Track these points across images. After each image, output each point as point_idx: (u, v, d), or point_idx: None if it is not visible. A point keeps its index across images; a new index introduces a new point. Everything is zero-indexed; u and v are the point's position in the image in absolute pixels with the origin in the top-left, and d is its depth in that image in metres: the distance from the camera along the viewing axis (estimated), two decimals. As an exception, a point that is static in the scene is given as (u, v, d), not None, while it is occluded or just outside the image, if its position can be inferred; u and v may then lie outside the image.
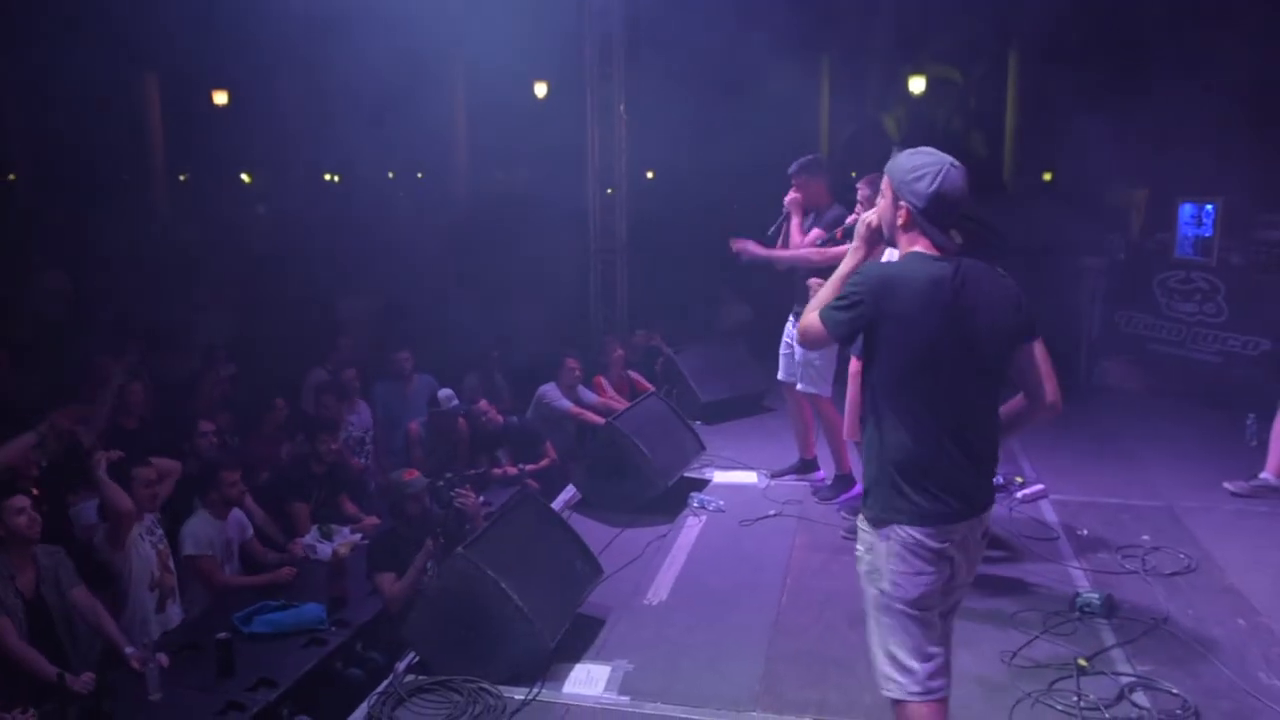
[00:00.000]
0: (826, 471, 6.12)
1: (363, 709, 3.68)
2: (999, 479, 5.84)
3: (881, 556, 2.83)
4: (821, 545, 5.26)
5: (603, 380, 7.94)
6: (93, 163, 20.10)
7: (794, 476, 6.23)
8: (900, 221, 2.87)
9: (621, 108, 9.42)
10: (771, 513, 5.71)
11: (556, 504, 5.84)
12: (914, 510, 2.80)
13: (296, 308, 10.75)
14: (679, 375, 7.76)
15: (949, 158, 2.81)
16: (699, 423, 7.08)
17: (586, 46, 9.22)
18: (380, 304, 11.24)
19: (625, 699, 3.78)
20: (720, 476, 6.36)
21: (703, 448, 6.38)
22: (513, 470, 7.01)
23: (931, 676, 2.81)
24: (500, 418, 7.38)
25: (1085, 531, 5.36)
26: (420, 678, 3.88)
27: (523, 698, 3.76)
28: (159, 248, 15.38)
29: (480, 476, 6.70)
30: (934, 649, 2.84)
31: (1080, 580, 4.77)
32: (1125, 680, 3.81)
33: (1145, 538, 5.26)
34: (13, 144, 20.93)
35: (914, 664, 2.81)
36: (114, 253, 13.56)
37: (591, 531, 5.46)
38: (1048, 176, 16.93)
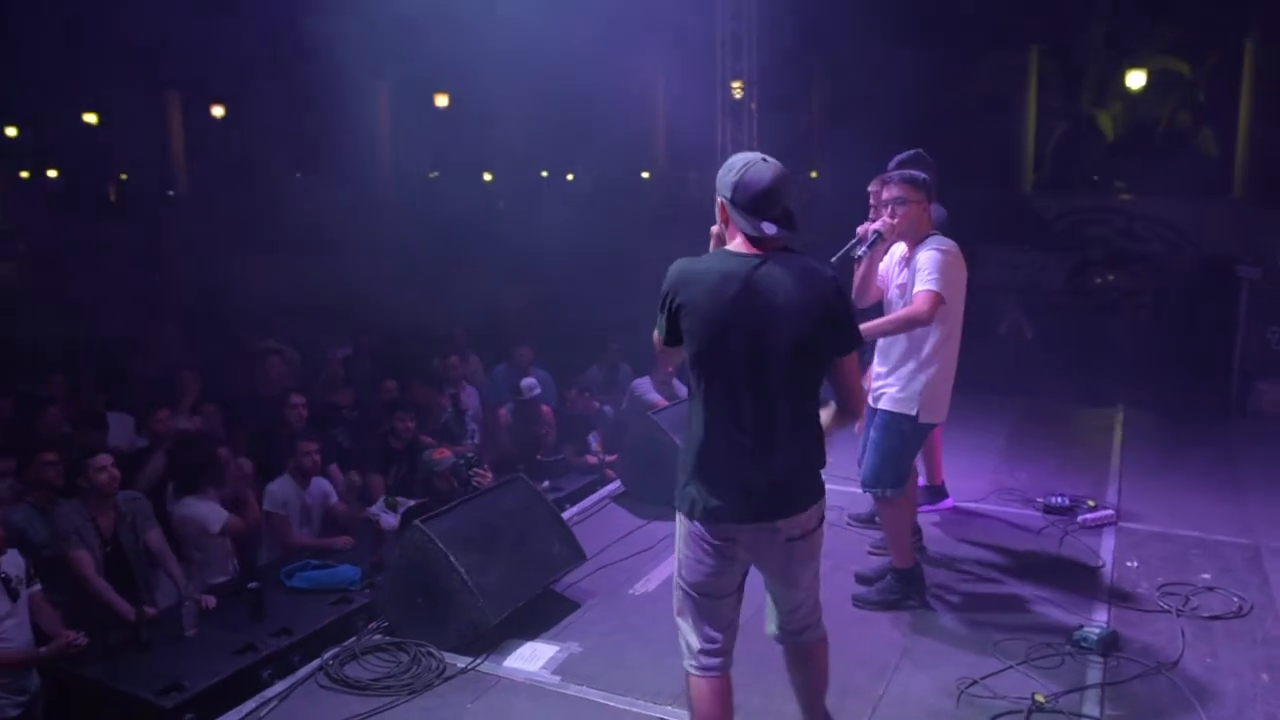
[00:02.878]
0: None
1: (317, 661, 4.02)
2: (1064, 500, 5.52)
3: (678, 537, 2.95)
4: (833, 553, 5.03)
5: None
6: (331, 161, 22.24)
7: (928, 506, 5.69)
8: (721, 217, 2.91)
9: (753, 106, 9.42)
10: (806, 517, 5.60)
11: (601, 494, 6.02)
12: (695, 503, 2.85)
13: (462, 296, 11.51)
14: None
15: (761, 155, 2.85)
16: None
17: (717, 45, 9.29)
18: (540, 294, 11.85)
19: (556, 679, 3.91)
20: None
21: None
22: (593, 460, 7.23)
23: (708, 654, 2.91)
24: (595, 405, 7.62)
25: (1135, 564, 4.91)
26: (382, 638, 4.19)
27: (463, 666, 3.98)
28: (376, 237, 16.91)
29: (557, 463, 6.97)
30: (714, 631, 2.92)
31: (1100, 613, 4.40)
32: (1079, 724, 3.54)
33: (1205, 576, 4.75)
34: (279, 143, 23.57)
35: (694, 640, 2.93)
36: (343, 242, 15.14)
37: (620, 521, 5.62)
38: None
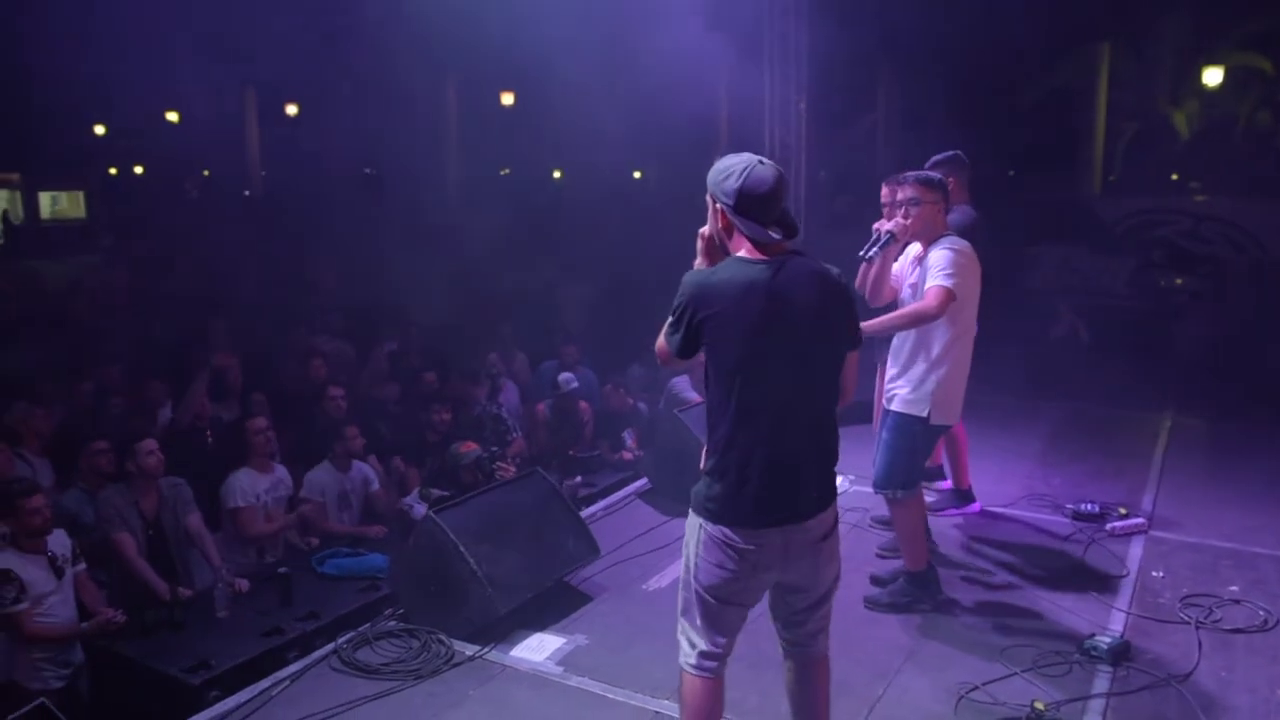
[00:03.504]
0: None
1: (332, 644, 4.16)
2: (1093, 507, 5.43)
3: (692, 539, 2.94)
4: (851, 556, 5.04)
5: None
6: (397, 159, 22.68)
7: (954, 510, 5.69)
8: (721, 224, 2.91)
9: (802, 105, 9.37)
10: (829, 518, 5.60)
11: (628, 490, 6.09)
12: (721, 509, 2.85)
13: (519, 293, 11.67)
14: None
15: (757, 157, 2.84)
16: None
17: (765, 44, 9.27)
18: (598, 292, 11.96)
19: (559, 670, 3.99)
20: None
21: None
22: (628, 456, 7.30)
23: (707, 657, 2.92)
24: (629, 402, 7.68)
25: (1160, 574, 4.80)
26: (396, 624, 4.32)
27: (471, 654, 4.09)
28: (433, 232, 17.21)
29: (592, 459, 7.06)
30: (720, 637, 2.92)
31: (1116, 623, 4.33)
32: (1078, 732, 3.50)
33: (1233, 588, 4.63)
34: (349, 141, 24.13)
35: (698, 640, 2.93)
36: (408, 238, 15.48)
37: (642, 517, 5.69)
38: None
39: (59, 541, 4.86)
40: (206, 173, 29.91)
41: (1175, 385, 8.40)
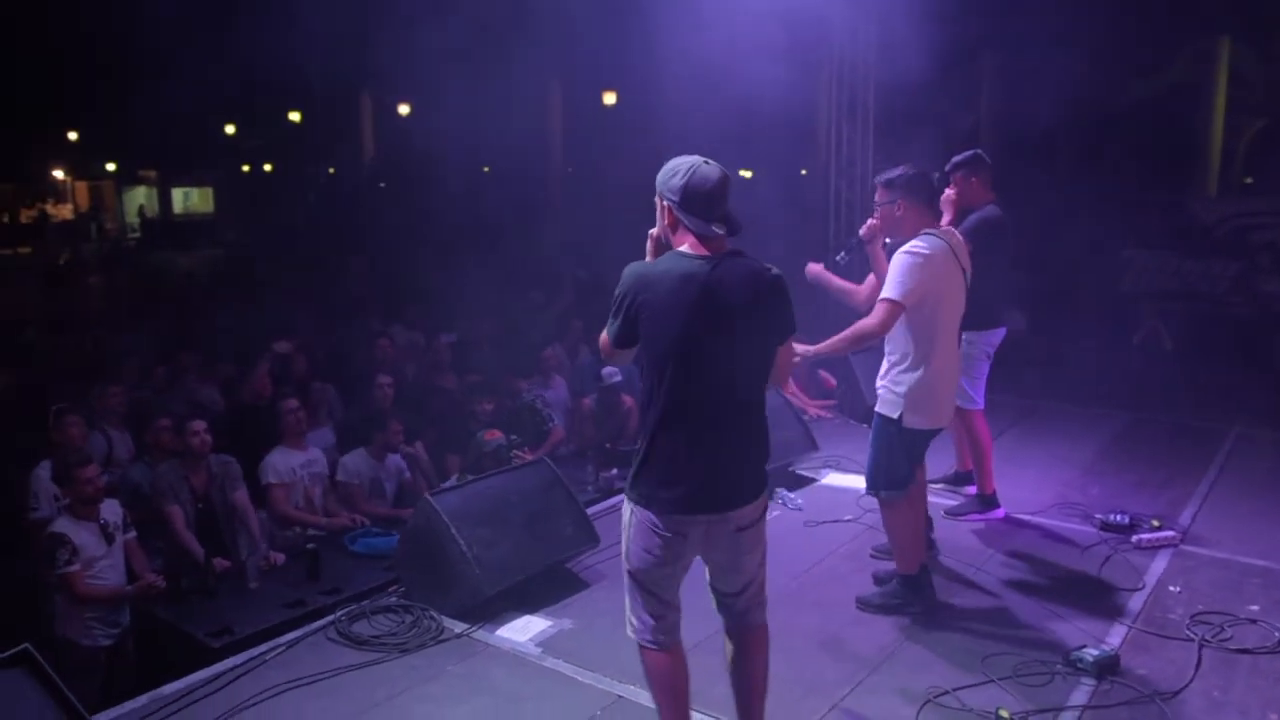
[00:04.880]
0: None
1: (332, 616, 4.39)
2: (1123, 518, 5.27)
3: (625, 524, 3.07)
4: (859, 556, 5.08)
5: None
6: (507, 160, 23.20)
7: (976, 515, 5.57)
8: (667, 221, 3.01)
9: (869, 103, 9.28)
10: (847, 518, 5.57)
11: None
12: (649, 495, 2.96)
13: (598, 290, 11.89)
14: (852, 376, 7.60)
15: (702, 158, 2.94)
16: (865, 425, 6.92)
17: (834, 47, 9.21)
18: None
19: (538, 651, 4.12)
20: (833, 479, 6.26)
21: (815, 447, 6.32)
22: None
23: (656, 631, 3.04)
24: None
25: (1177, 589, 4.62)
26: (395, 600, 4.52)
27: (459, 631, 4.25)
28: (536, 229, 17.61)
29: (631, 453, 7.14)
30: (659, 610, 3.04)
31: (1116, 635, 4.19)
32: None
33: (1253, 608, 4.42)
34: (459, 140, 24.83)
35: (643, 617, 3.06)
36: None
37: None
38: None
39: (111, 510, 5.24)
40: (332, 170, 31.21)
41: (1254, 396, 7.97)
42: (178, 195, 34.39)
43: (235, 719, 3.65)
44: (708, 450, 2.89)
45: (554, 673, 3.96)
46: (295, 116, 27.86)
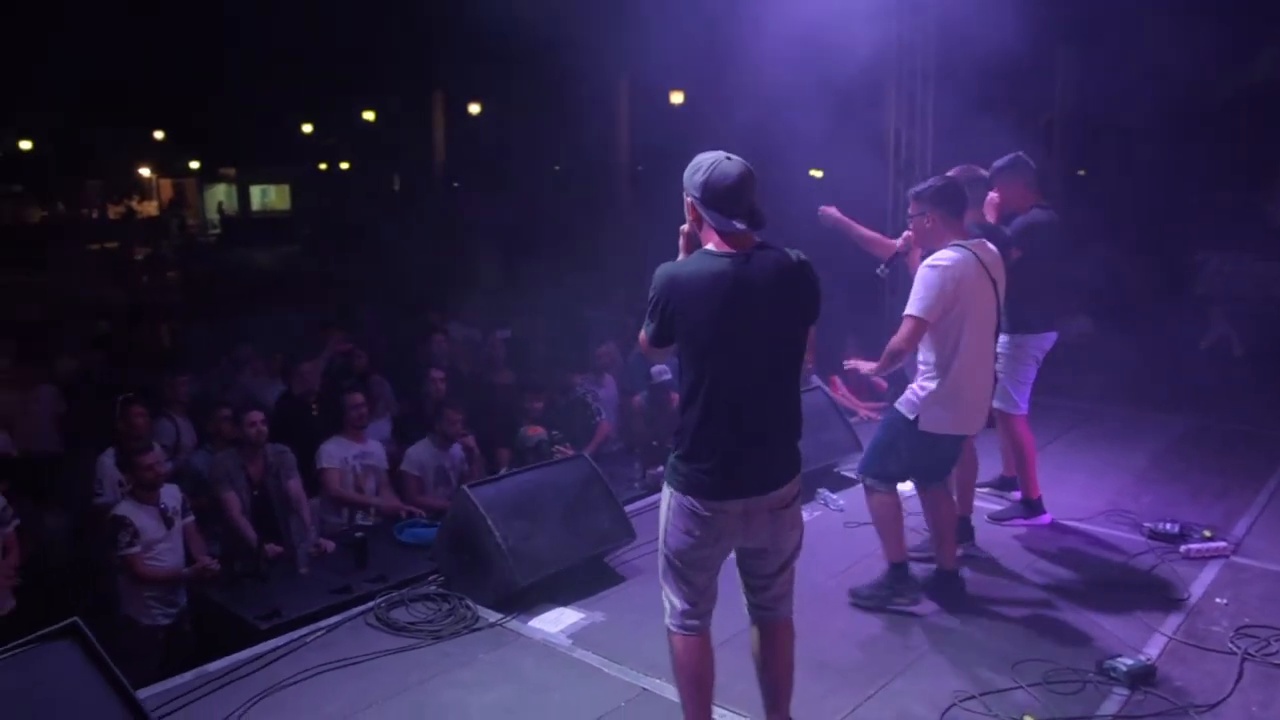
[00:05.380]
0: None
1: (369, 604, 4.52)
2: (1173, 526, 5.17)
3: (665, 507, 3.13)
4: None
5: (836, 379, 7.95)
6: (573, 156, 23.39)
7: (1021, 520, 5.49)
8: (692, 217, 3.07)
9: (928, 98, 9.17)
10: (887, 520, 5.54)
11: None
12: (688, 481, 3.03)
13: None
14: (903, 379, 7.50)
15: (725, 153, 2.98)
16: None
17: (894, 43, 9.10)
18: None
19: (568, 642, 4.19)
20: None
21: (859, 449, 6.27)
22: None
23: (688, 616, 3.11)
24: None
25: (1224, 600, 4.50)
26: (434, 589, 4.64)
27: (493, 621, 4.35)
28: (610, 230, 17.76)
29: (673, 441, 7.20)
30: (693, 596, 3.10)
31: (1154, 646, 4.11)
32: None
33: (1303, 622, 4.30)
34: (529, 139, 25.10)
35: (677, 602, 3.12)
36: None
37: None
38: None
39: (171, 495, 5.47)
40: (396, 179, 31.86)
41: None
42: (255, 192, 35.38)
43: (274, 696, 3.79)
44: (747, 437, 2.97)
45: (582, 664, 4.03)
46: (369, 115, 28.45)
